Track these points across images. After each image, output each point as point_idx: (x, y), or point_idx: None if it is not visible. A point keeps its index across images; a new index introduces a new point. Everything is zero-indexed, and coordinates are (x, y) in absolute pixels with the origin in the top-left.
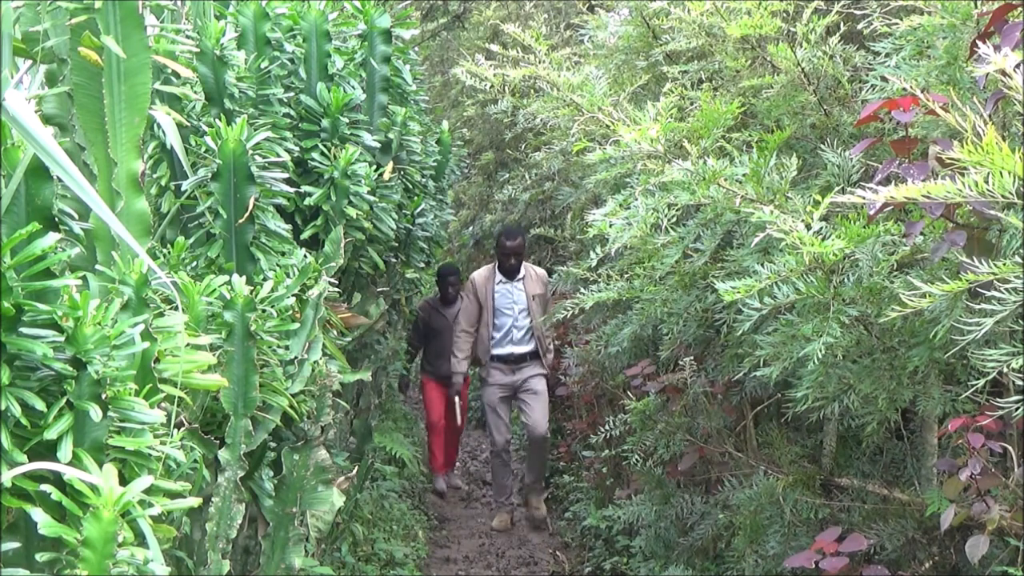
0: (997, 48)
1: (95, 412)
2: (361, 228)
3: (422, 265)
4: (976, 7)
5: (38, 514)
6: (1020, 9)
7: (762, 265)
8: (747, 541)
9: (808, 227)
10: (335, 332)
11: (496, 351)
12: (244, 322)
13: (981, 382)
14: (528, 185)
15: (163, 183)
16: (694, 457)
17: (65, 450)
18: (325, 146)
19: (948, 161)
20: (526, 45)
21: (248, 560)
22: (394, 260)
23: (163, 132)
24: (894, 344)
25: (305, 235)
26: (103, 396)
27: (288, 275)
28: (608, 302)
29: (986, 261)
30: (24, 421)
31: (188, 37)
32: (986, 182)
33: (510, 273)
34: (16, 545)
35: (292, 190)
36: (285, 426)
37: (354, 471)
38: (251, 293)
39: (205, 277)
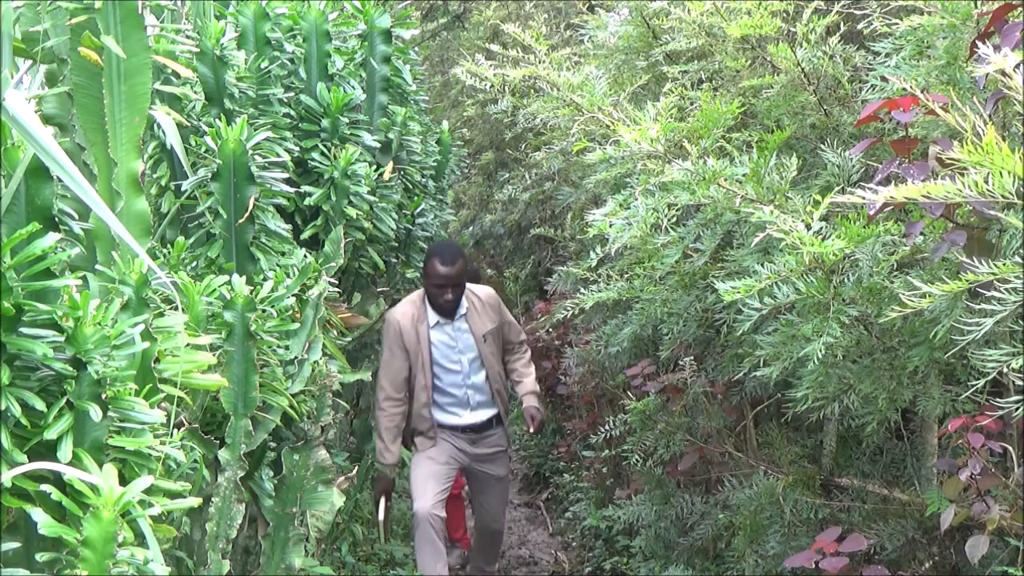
0: (997, 48)
1: (95, 412)
2: (361, 228)
3: (422, 265)
4: (976, 7)
5: (38, 514)
6: (1020, 9)
7: (762, 265)
8: (747, 541)
9: (808, 227)
10: (335, 332)
11: (448, 421)
12: (244, 322)
13: (981, 382)
14: (528, 185)
15: (163, 183)
16: (694, 457)
17: (65, 450)
18: (325, 146)
19: (948, 161)
20: (526, 45)
21: (248, 560)
22: (394, 260)
23: (163, 132)
24: (894, 344)
25: (305, 235)
26: (103, 396)
27: (288, 275)
28: (608, 302)
29: (986, 261)
30: (24, 421)
31: (188, 37)
32: (986, 182)
33: (447, 312)
34: (16, 545)
35: (292, 190)
36: (285, 426)
37: (354, 471)
38: (251, 293)
39: (205, 277)
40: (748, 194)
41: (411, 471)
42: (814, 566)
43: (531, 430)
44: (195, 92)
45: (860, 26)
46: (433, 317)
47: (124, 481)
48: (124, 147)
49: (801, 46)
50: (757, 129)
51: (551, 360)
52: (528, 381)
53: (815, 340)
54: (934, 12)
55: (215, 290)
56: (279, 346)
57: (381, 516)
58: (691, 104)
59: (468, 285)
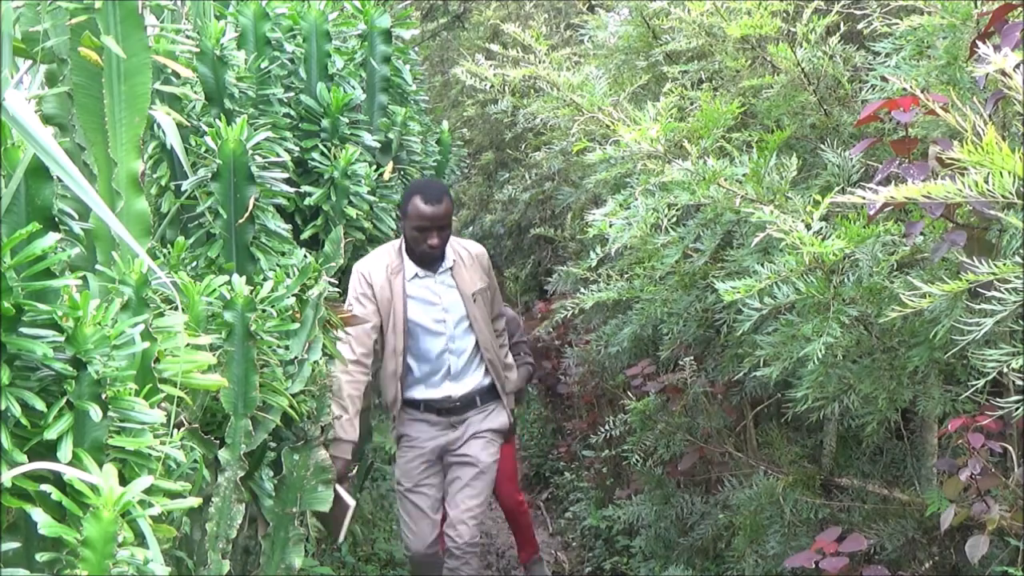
0: (997, 48)
1: (95, 412)
2: (361, 228)
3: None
4: (976, 7)
5: (38, 514)
6: (1020, 9)
7: (762, 265)
8: (747, 541)
9: (808, 227)
10: (335, 332)
11: (421, 395)
12: (244, 322)
13: (981, 382)
14: (528, 185)
15: (163, 183)
16: (694, 457)
17: (65, 450)
18: (325, 146)
19: (948, 161)
20: (526, 45)
21: (248, 560)
22: None
23: (163, 132)
24: (894, 344)
25: (305, 235)
26: (103, 396)
27: (288, 275)
28: (608, 302)
29: (986, 261)
30: (24, 421)
31: (188, 37)
32: (986, 182)
33: (429, 262)
34: (16, 545)
35: (292, 190)
36: (285, 426)
37: (354, 471)
38: (251, 293)
39: (205, 277)
40: (748, 194)
41: (396, 472)
42: (814, 566)
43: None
44: (195, 92)
45: (860, 26)
46: (412, 268)
47: (124, 481)
48: (124, 147)
49: (801, 46)
50: (757, 129)
51: (551, 360)
52: (511, 375)
53: (815, 340)
54: (934, 12)
55: (215, 290)
56: (279, 346)
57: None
58: (691, 104)
59: (454, 238)
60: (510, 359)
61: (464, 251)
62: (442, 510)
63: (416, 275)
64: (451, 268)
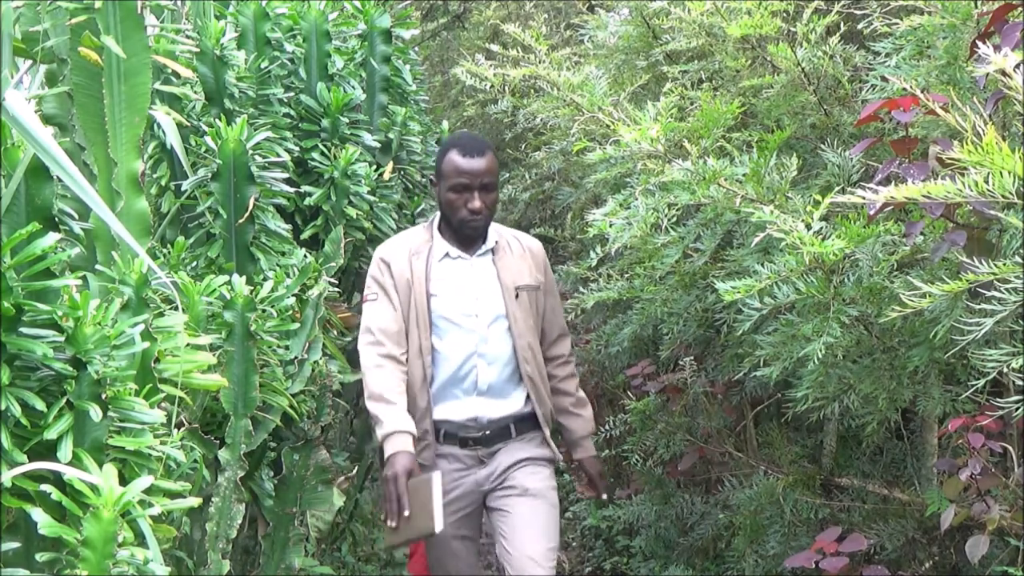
0: (997, 48)
1: (95, 412)
2: (361, 228)
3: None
4: (976, 7)
5: (38, 514)
6: (1020, 9)
7: (762, 265)
8: (747, 541)
9: (808, 227)
10: (335, 332)
11: (440, 415)
12: (244, 322)
13: (981, 382)
14: (528, 185)
15: (163, 183)
16: (694, 457)
17: (65, 450)
18: (325, 146)
19: (948, 161)
20: (526, 45)
21: (248, 560)
22: None
23: (163, 132)
24: (894, 344)
25: (305, 235)
26: (103, 396)
27: (288, 275)
28: (608, 302)
29: (986, 261)
30: (24, 421)
31: (188, 37)
32: (986, 182)
33: (468, 238)
34: (16, 545)
35: (292, 190)
36: (285, 426)
37: (354, 471)
38: (251, 293)
39: (205, 277)
40: (748, 194)
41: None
42: (814, 566)
43: (598, 495)
44: (195, 92)
45: (860, 26)
46: (442, 246)
47: (124, 481)
48: (124, 147)
49: (801, 46)
50: (757, 129)
51: None
52: (585, 414)
53: (815, 340)
54: (934, 12)
55: (215, 290)
56: (279, 346)
57: (398, 519)
58: (691, 104)
59: (506, 227)
60: (580, 391)
61: (515, 239)
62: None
63: (446, 255)
64: (492, 250)
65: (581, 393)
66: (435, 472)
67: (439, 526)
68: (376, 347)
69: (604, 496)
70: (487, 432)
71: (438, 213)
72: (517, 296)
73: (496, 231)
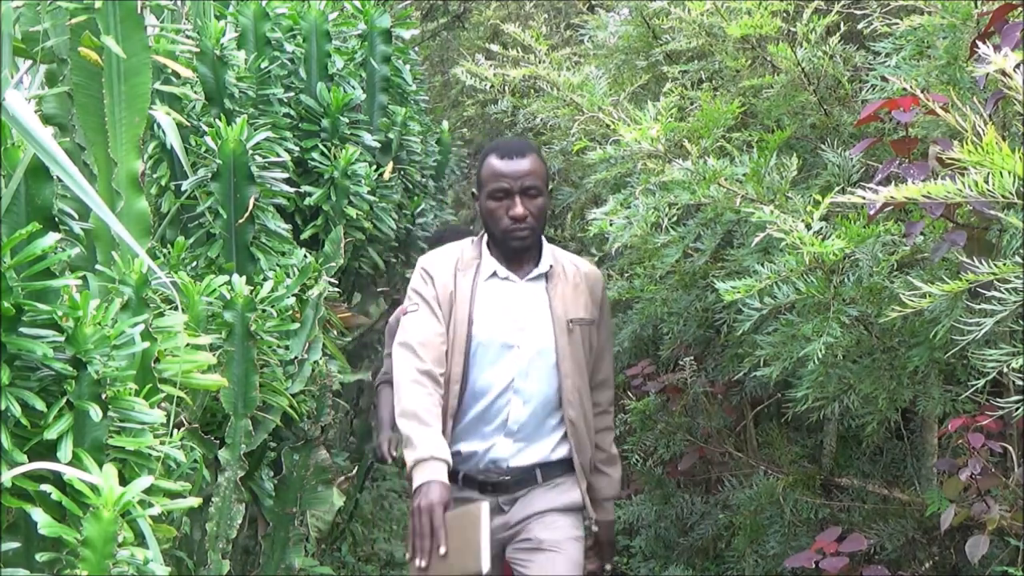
0: (997, 48)
1: (95, 412)
2: (361, 228)
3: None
4: (976, 7)
5: (38, 514)
6: (1020, 9)
7: (762, 265)
8: (747, 541)
9: (808, 227)
10: (335, 332)
11: (464, 452)
12: (244, 322)
13: (981, 382)
14: None
15: (163, 183)
16: (694, 457)
17: (65, 450)
18: (325, 146)
19: (948, 161)
20: (526, 45)
21: (248, 560)
22: (394, 260)
23: (163, 132)
24: (894, 344)
25: (305, 235)
26: (103, 396)
27: (288, 275)
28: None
29: (986, 261)
30: (24, 421)
31: (188, 37)
32: (986, 182)
33: (516, 254)
34: (16, 545)
35: (292, 190)
36: (285, 426)
37: (354, 471)
38: (251, 293)
39: (205, 277)
40: (748, 194)
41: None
42: (814, 566)
43: (600, 567)
44: (195, 92)
45: (860, 26)
46: (490, 265)
47: (124, 481)
48: (124, 147)
49: (801, 46)
50: (757, 129)
51: None
52: (614, 475)
53: (815, 340)
54: (934, 12)
55: (215, 290)
56: (279, 346)
57: (429, 557)
58: (691, 104)
59: (565, 252)
60: (613, 447)
61: (572, 265)
62: None
63: (495, 274)
64: (546, 276)
65: (614, 450)
66: (482, 502)
67: (486, 566)
68: (415, 360)
69: (607, 567)
70: (507, 478)
71: (481, 235)
72: (570, 330)
73: (552, 254)
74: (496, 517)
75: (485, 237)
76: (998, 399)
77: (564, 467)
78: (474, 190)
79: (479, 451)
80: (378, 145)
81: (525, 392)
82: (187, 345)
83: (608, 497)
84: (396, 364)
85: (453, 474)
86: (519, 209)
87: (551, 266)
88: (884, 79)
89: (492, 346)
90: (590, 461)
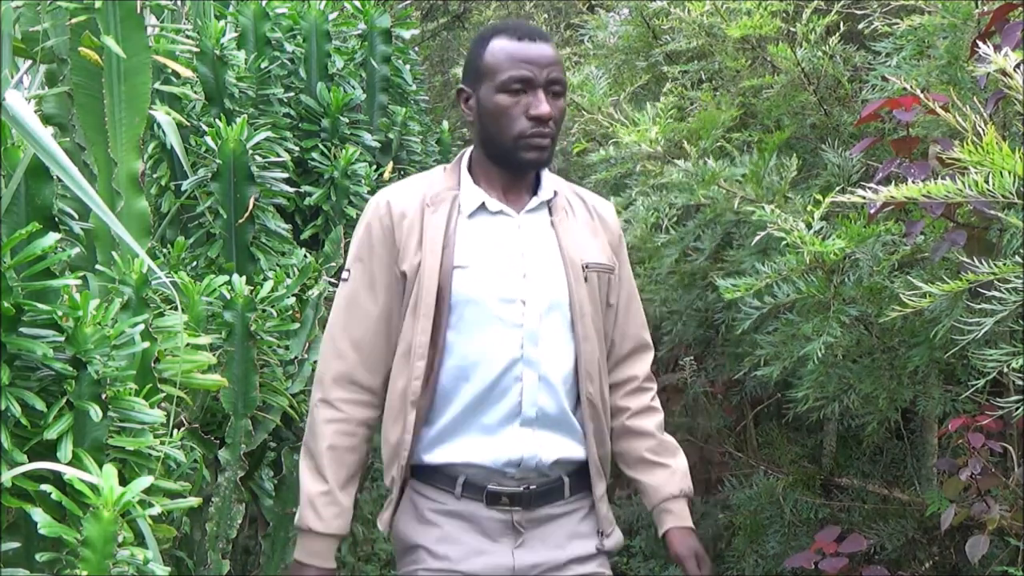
0: (998, 48)
1: (95, 412)
2: None
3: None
4: (976, 7)
5: (38, 514)
6: (1020, 9)
7: (762, 264)
8: (747, 541)
9: (809, 226)
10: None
11: (458, 457)
12: (244, 322)
13: (981, 382)
14: None
15: (163, 183)
16: (694, 457)
17: (65, 450)
18: (325, 146)
19: (948, 161)
20: None
21: (248, 560)
22: None
23: (163, 132)
24: (894, 344)
25: (305, 235)
26: (103, 396)
27: (288, 275)
28: None
29: (986, 261)
30: (24, 421)
31: (188, 37)
32: (986, 181)
33: (517, 180)
34: (16, 545)
35: (292, 190)
36: (285, 426)
37: None
38: (251, 293)
39: (205, 277)
40: (748, 194)
41: None
42: (814, 566)
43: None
44: (195, 92)
45: (860, 26)
46: (475, 195)
47: (124, 481)
48: (124, 147)
49: (801, 46)
50: (757, 129)
51: None
52: (674, 464)
53: (815, 339)
54: (934, 12)
55: (215, 290)
56: (279, 346)
57: None
58: (691, 104)
59: (555, 177)
60: (664, 432)
61: (577, 197)
62: None
63: (482, 207)
64: (548, 206)
65: (667, 436)
66: None
67: None
68: (329, 369)
69: None
70: (533, 486)
71: (465, 152)
72: (585, 277)
73: (552, 180)
74: (509, 544)
75: (464, 160)
76: (998, 399)
77: (582, 476)
78: (461, 86)
79: (485, 450)
80: (378, 145)
81: (539, 362)
82: (187, 345)
83: (673, 495)
84: (318, 373)
85: (450, 480)
86: (545, 107)
87: (555, 193)
88: (884, 79)
89: (485, 303)
90: (628, 455)
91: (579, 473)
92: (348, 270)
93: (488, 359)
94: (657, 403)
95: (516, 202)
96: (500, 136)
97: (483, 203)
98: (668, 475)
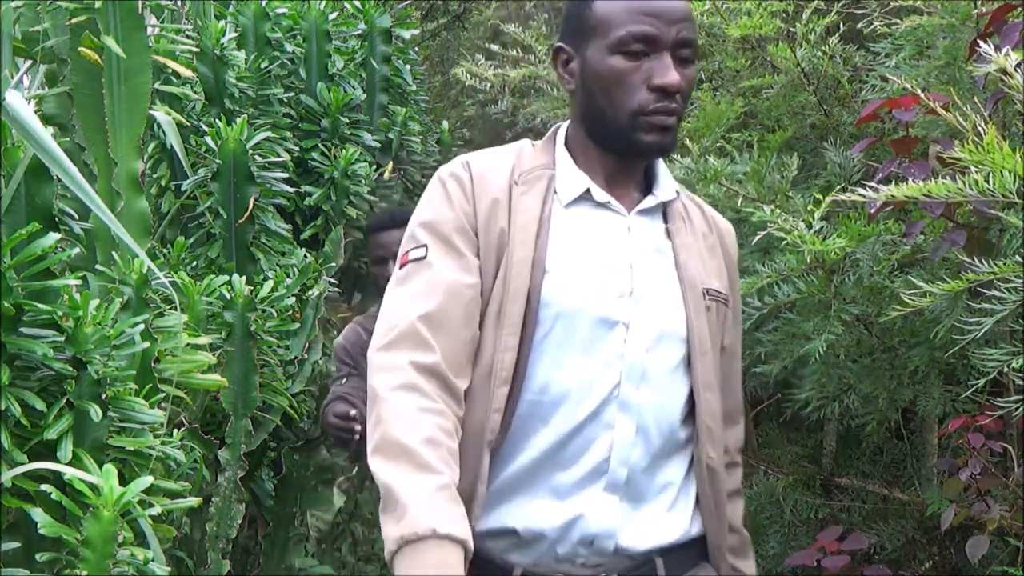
0: (997, 48)
1: (95, 412)
2: (361, 228)
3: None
4: (976, 7)
5: (38, 514)
6: (1020, 9)
7: (763, 264)
8: None
9: (809, 226)
10: (335, 332)
11: (515, 520)
12: (244, 322)
13: (981, 382)
14: None
15: (163, 183)
16: None
17: (65, 450)
18: (325, 146)
19: (949, 161)
20: (526, 45)
21: (248, 560)
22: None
23: (163, 132)
24: (894, 344)
25: (305, 235)
26: (103, 396)
27: (288, 275)
28: None
29: (986, 260)
30: (24, 421)
31: (188, 37)
32: (987, 181)
33: (626, 171)
34: (16, 545)
35: (292, 190)
36: (285, 426)
37: (354, 471)
38: (251, 293)
39: (205, 277)
40: (749, 193)
41: None
42: (815, 564)
43: None
44: (195, 92)
45: (860, 26)
46: (577, 180)
47: (124, 481)
48: (124, 147)
49: (801, 46)
50: (757, 129)
51: None
52: (748, 570)
53: (816, 339)
54: (934, 12)
55: (215, 290)
56: (279, 346)
57: None
58: (691, 104)
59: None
60: (743, 528)
61: (694, 205)
62: None
63: (586, 195)
64: (665, 210)
65: (745, 532)
66: None
67: None
68: (409, 351)
69: None
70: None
71: (560, 127)
72: (707, 308)
73: (670, 176)
74: None
75: (561, 134)
76: (998, 399)
77: (695, 554)
78: (560, 44)
79: (554, 521)
80: (378, 145)
81: (640, 407)
82: (187, 345)
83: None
84: (373, 360)
85: (499, 570)
86: (673, 75)
87: (677, 193)
88: (884, 79)
89: (578, 320)
90: (725, 526)
91: (677, 552)
92: (424, 245)
93: (575, 397)
94: (741, 485)
95: (624, 198)
96: (611, 111)
97: (587, 190)
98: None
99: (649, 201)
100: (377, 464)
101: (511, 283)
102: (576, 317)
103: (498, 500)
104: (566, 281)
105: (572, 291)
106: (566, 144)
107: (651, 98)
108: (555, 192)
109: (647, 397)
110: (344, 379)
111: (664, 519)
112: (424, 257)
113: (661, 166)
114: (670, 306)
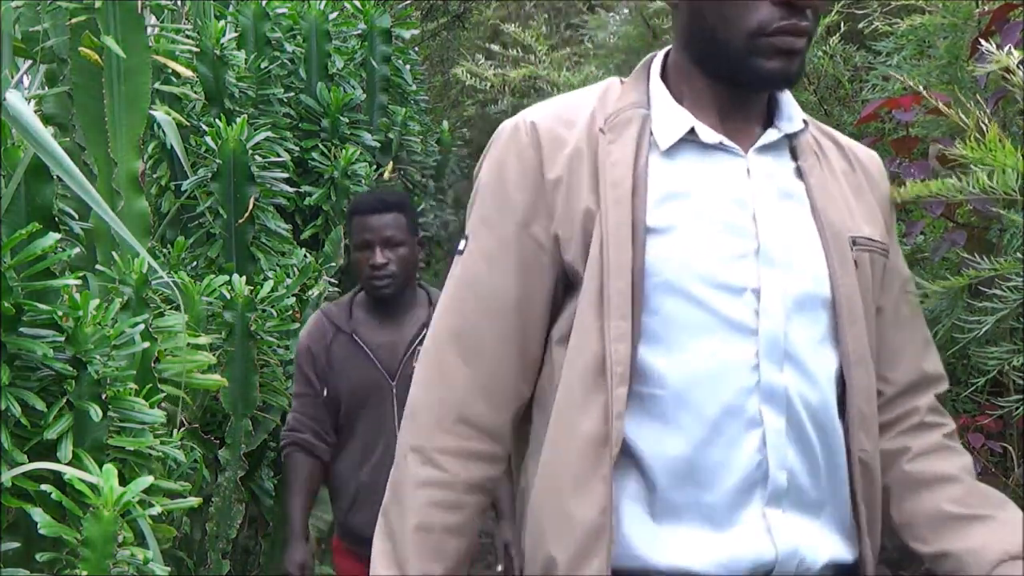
0: (998, 47)
1: (95, 412)
2: None
3: (422, 265)
4: (977, 6)
5: (38, 514)
6: (1021, 9)
7: None
8: None
9: None
10: None
11: (659, 552)
12: (244, 322)
13: (981, 381)
14: None
15: (163, 183)
16: None
17: (65, 450)
18: (325, 146)
19: (948, 160)
20: (526, 45)
21: (248, 560)
22: None
23: (163, 132)
24: None
25: (305, 235)
26: (103, 396)
27: (288, 275)
28: None
29: (987, 258)
30: (24, 421)
31: (188, 37)
32: (989, 179)
33: (733, 106)
34: (16, 545)
35: (292, 190)
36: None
37: None
38: (251, 293)
39: (205, 277)
40: None
41: None
42: None
43: None
44: (195, 92)
45: (860, 26)
46: (680, 118)
47: (124, 481)
48: (124, 147)
49: None
50: None
51: None
52: (1005, 515)
53: None
54: (935, 11)
55: (215, 290)
56: (279, 346)
57: None
58: None
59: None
60: (971, 476)
61: (827, 138)
62: None
63: (690, 137)
64: (793, 142)
65: (981, 485)
66: None
67: None
68: (438, 388)
69: None
70: None
71: (656, 55)
72: (856, 262)
73: (796, 105)
74: None
75: (656, 64)
76: (998, 399)
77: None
78: None
79: (711, 551)
80: (378, 145)
81: (789, 394)
82: (187, 345)
83: (1010, 555)
84: (403, 424)
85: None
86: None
87: (805, 123)
88: (885, 79)
89: (695, 291)
90: (917, 518)
91: (850, 570)
92: (467, 237)
93: (704, 390)
94: (957, 443)
95: (741, 134)
96: (724, 30)
97: (692, 129)
98: (992, 530)
99: (771, 135)
100: (376, 536)
101: (610, 254)
102: (692, 286)
103: (629, 531)
104: (675, 243)
105: (684, 255)
106: (664, 76)
107: (776, 14)
108: (651, 135)
109: (794, 380)
110: (302, 397)
111: (833, 531)
112: (463, 252)
113: (786, 95)
114: (809, 263)
